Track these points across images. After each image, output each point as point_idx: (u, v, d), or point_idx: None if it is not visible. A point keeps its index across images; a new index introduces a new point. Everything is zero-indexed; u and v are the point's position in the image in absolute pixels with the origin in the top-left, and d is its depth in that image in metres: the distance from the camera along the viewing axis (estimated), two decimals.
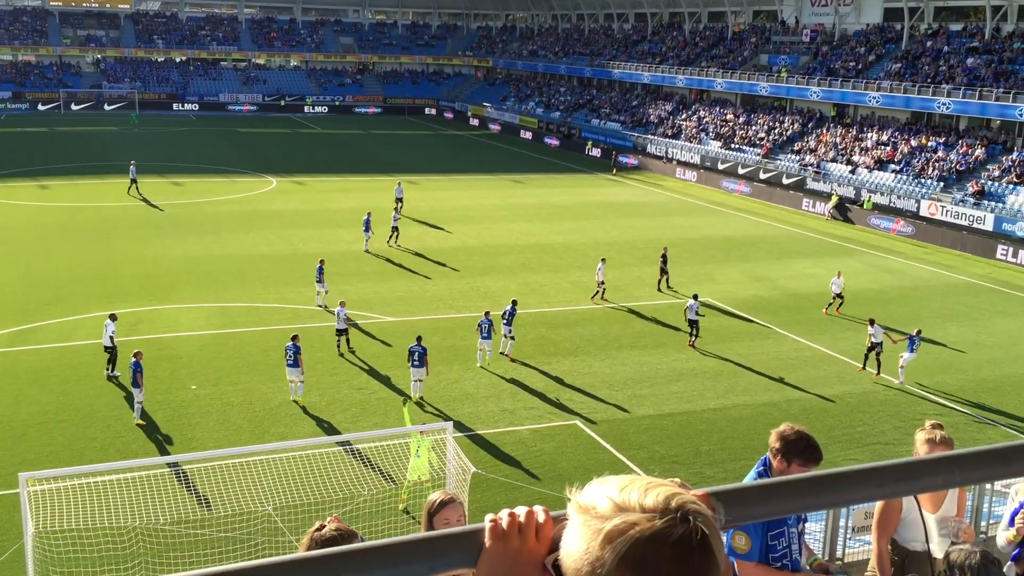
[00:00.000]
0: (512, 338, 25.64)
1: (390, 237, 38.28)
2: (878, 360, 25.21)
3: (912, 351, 24.84)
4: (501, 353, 25.65)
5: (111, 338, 22.89)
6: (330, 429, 20.57)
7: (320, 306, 29.48)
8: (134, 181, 48.08)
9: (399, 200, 43.97)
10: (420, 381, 22.55)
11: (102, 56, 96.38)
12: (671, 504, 1.25)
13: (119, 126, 78.54)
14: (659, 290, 33.33)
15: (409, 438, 17.28)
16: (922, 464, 1.68)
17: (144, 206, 45.38)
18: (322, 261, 30.73)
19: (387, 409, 21.83)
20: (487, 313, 25.19)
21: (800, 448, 5.14)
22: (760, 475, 5.56)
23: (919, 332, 25.61)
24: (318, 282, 29.82)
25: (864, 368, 25.65)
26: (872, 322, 25.60)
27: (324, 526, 3.74)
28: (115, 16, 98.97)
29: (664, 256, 33.66)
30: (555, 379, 24.28)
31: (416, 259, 36.93)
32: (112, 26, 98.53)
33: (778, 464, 5.38)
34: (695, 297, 27.73)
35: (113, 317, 23.41)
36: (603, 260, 32.34)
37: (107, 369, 23.07)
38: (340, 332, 25.43)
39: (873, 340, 25.12)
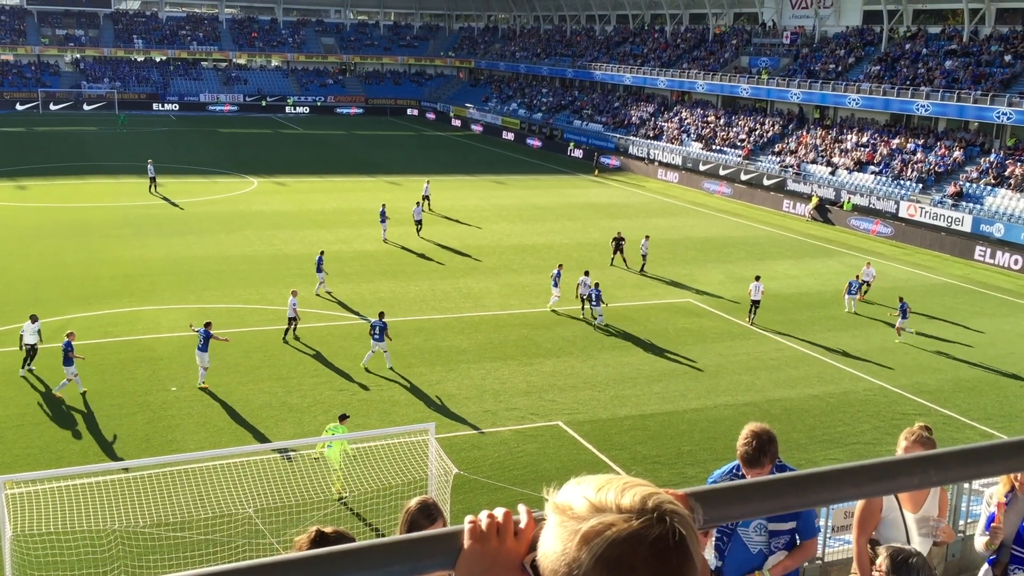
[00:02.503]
0: (600, 314, 28.99)
1: (418, 230, 40.93)
2: (755, 311, 29.98)
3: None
4: (594, 326, 28.97)
5: (38, 334, 22.82)
6: (311, 431, 20.46)
7: (326, 294, 30.88)
8: (153, 179, 48.55)
9: (426, 197, 46.30)
10: (385, 353, 24.24)
11: (81, 55, 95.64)
12: (648, 504, 1.25)
13: (98, 126, 77.95)
14: (612, 264, 36.98)
15: (328, 447, 17.56)
16: (898, 464, 1.69)
17: (125, 206, 45.04)
18: (322, 252, 32.04)
19: (368, 410, 21.78)
20: (560, 266, 31.67)
21: (740, 452, 5.55)
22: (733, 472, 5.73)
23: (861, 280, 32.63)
24: (318, 271, 31.04)
25: (752, 321, 29.97)
26: (757, 278, 30.52)
27: (320, 531, 3.67)
28: (94, 15, 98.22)
29: (619, 238, 37.33)
30: (537, 380, 24.29)
31: (398, 259, 36.86)
32: (91, 25, 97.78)
33: None
34: (587, 273, 30.26)
35: (34, 318, 23.17)
36: (647, 237, 37.52)
37: (25, 365, 22.89)
38: (291, 320, 26.46)
39: (753, 297, 29.83)
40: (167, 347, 25.38)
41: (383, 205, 40.57)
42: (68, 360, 21.59)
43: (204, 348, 22.63)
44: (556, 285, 30.49)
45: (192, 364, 23.74)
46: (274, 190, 52.08)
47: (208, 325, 23.02)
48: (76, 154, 61.88)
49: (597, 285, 29.38)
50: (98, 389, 22.33)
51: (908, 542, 6.13)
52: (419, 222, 40.95)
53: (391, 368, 24.26)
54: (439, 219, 45.01)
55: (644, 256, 36.75)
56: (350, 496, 17.25)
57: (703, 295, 33.45)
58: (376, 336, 24.10)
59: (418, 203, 42.07)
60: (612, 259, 37.33)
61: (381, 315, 24.62)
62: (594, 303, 28.99)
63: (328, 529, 3.71)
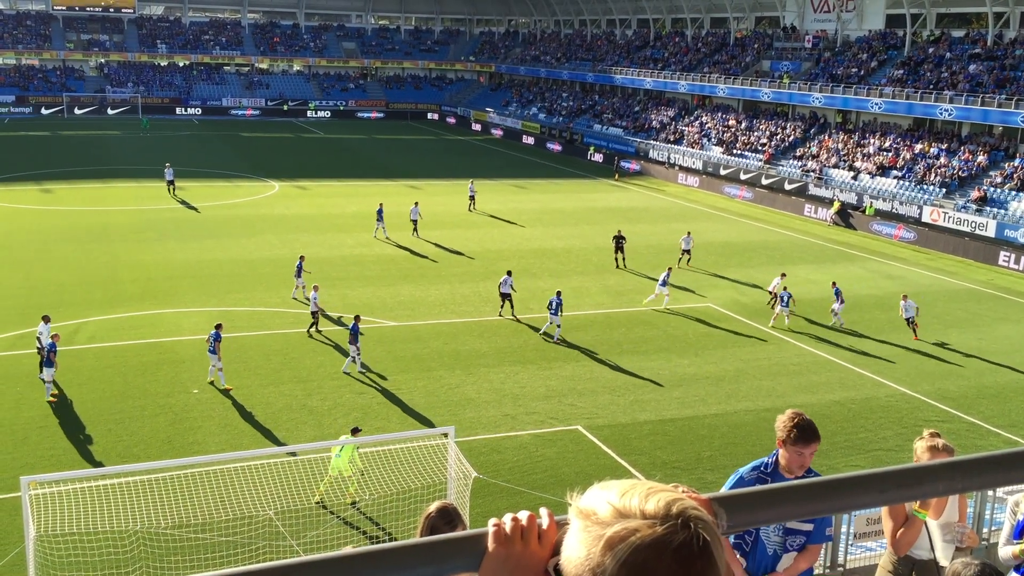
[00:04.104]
0: (558, 325, 27.92)
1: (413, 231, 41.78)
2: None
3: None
4: (545, 335, 28.18)
5: (45, 338, 22.63)
6: (331, 434, 20.53)
7: (295, 299, 30.56)
8: (171, 183, 49.05)
9: (471, 197, 48.77)
10: (348, 357, 24.39)
11: (105, 60, 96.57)
12: (672, 510, 1.25)
13: (122, 130, 78.68)
14: (617, 267, 37.31)
15: (337, 455, 17.53)
16: (924, 470, 1.68)
17: (148, 210, 45.42)
18: (302, 257, 31.64)
19: (388, 414, 21.84)
20: (669, 269, 32.55)
21: (789, 434, 5.52)
22: (769, 460, 5.71)
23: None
24: (296, 276, 30.92)
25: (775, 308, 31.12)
26: (783, 275, 32.36)
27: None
28: (118, 20, 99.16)
29: (619, 237, 37.79)
30: (557, 384, 24.27)
31: (418, 263, 36.96)
32: (115, 30, 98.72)
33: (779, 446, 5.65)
34: (509, 273, 30.33)
35: (46, 319, 23.22)
36: (689, 232, 39.47)
37: (42, 369, 22.70)
38: (313, 315, 27.15)
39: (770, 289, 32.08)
40: (189, 350, 25.54)
41: (380, 204, 41.57)
42: (49, 362, 21.64)
43: (214, 350, 22.82)
44: (664, 284, 31.25)
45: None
46: (295, 194, 52.36)
47: (219, 327, 23.20)
48: (100, 158, 62.48)
49: (559, 294, 28.39)
50: (120, 391, 22.53)
51: (932, 549, 6.08)
52: (415, 222, 41.67)
53: (345, 372, 24.25)
54: (459, 223, 45.10)
55: (688, 251, 38.16)
56: (363, 500, 17.28)
57: (723, 300, 33.30)
58: (350, 339, 24.32)
59: (416, 204, 42.72)
60: (616, 260, 37.70)
61: (356, 318, 24.68)
62: (552, 311, 27.80)
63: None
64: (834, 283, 32.03)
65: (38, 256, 35.56)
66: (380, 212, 41.11)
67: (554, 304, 27.76)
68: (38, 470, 17.12)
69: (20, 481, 13.31)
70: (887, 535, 6.29)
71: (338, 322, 28.37)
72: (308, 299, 29.14)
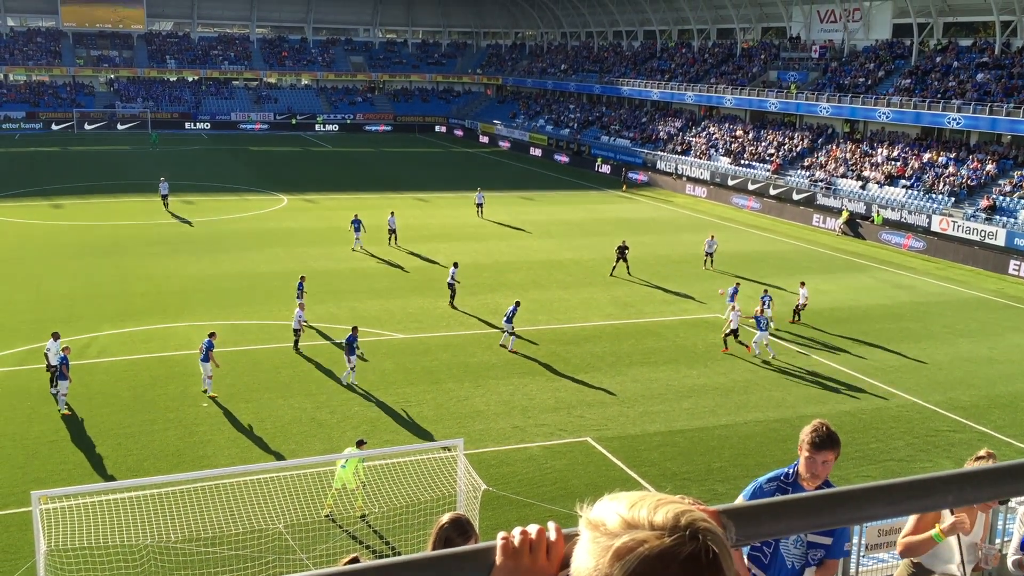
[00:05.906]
0: (512, 335, 27.75)
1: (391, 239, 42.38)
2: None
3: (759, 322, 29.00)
4: (501, 345, 28.03)
5: (53, 355, 22.52)
6: (340, 447, 20.52)
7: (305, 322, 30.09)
8: (164, 197, 49.27)
9: (479, 205, 50.26)
10: (350, 368, 24.49)
11: (115, 76, 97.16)
12: (680, 521, 1.25)
13: (131, 145, 79.08)
14: (611, 275, 37.42)
15: (343, 467, 17.48)
16: (933, 481, 1.68)
17: (158, 224, 45.59)
18: (303, 277, 31.34)
19: (397, 427, 21.83)
20: (737, 283, 32.16)
21: (804, 439, 5.55)
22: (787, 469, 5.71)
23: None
24: (298, 297, 30.02)
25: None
26: (802, 284, 32.13)
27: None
28: (128, 36, 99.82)
29: (623, 247, 37.78)
30: (566, 396, 24.23)
31: (427, 275, 36.97)
32: (125, 46, 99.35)
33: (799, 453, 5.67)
34: (455, 265, 32.51)
35: (56, 336, 23.11)
36: (712, 235, 40.88)
37: (53, 383, 22.61)
38: (295, 332, 27.04)
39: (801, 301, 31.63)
40: (199, 364, 25.55)
41: (356, 215, 41.60)
42: (63, 375, 21.76)
43: (206, 359, 23.00)
44: (732, 299, 30.48)
45: (224, 381, 23.96)
46: (304, 207, 52.50)
47: (212, 336, 23.40)
48: (110, 173, 62.78)
49: (517, 303, 28.12)
50: (130, 405, 22.57)
51: (962, 564, 6.02)
52: (393, 231, 42.06)
53: (349, 384, 24.24)
54: (467, 235, 45.13)
55: (711, 255, 39.58)
56: (373, 514, 17.26)
57: None
58: (345, 350, 24.46)
59: (392, 213, 43.18)
60: (613, 269, 37.68)
61: (354, 329, 24.70)
62: (505, 320, 27.65)
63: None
64: (766, 289, 31.32)
65: (49, 271, 35.71)
66: (357, 223, 40.82)
67: (508, 314, 27.64)
68: (48, 484, 17.15)
69: (31, 496, 13.34)
70: (903, 533, 6.21)
71: (333, 341, 28.43)
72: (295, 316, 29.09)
